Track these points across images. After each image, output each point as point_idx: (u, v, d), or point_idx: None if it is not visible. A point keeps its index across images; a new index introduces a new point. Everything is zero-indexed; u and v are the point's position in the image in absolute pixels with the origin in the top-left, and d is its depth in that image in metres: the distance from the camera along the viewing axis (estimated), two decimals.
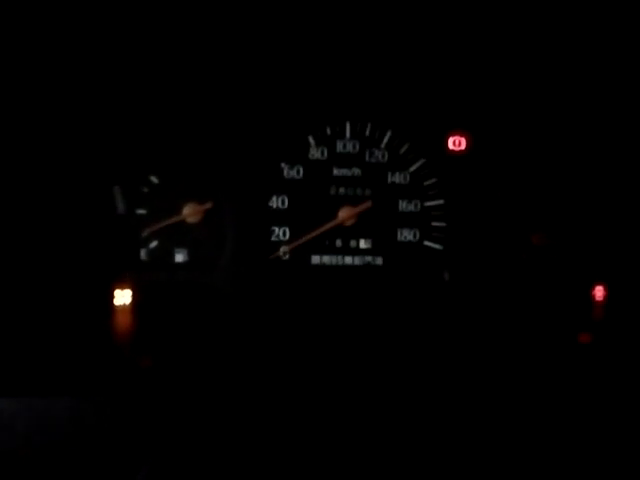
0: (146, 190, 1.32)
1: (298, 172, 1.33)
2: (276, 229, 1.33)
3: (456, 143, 1.33)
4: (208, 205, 1.32)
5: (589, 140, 1.36)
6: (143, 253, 1.34)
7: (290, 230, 1.33)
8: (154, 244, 1.34)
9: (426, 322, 1.22)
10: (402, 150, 1.34)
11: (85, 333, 1.09)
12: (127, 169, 1.31)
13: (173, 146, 1.30)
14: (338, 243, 1.35)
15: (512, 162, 1.36)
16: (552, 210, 1.37)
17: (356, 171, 1.33)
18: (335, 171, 1.33)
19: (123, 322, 1.24)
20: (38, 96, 1.17)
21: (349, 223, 1.33)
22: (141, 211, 1.33)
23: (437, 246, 1.36)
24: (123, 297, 1.30)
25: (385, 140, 1.34)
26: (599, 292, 1.34)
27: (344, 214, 1.32)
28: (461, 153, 1.33)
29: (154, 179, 1.33)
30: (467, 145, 1.33)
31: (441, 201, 1.35)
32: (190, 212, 1.32)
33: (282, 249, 1.33)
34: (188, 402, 0.83)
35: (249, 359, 0.94)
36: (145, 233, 1.33)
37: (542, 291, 1.35)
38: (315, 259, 1.35)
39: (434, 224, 1.35)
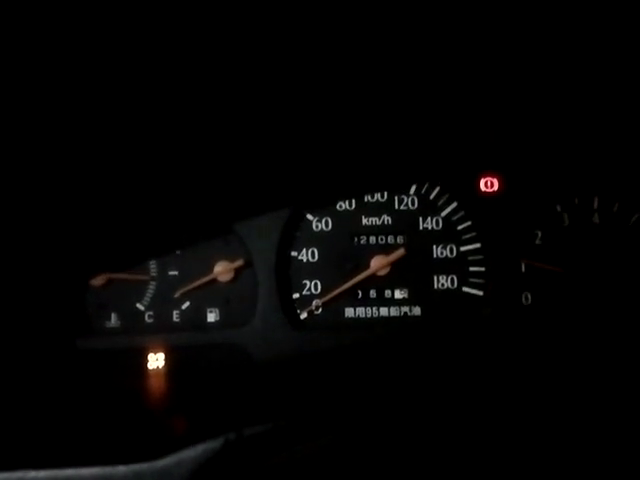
0: (177, 251, 1.33)
1: (327, 224, 1.31)
2: (307, 283, 1.30)
3: (488, 184, 1.29)
4: (239, 262, 1.31)
5: (624, 176, 1.29)
6: (175, 315, 1.33)
7: (322, 283, 1.30)
8: (186, 305, 1.33)
9: (472, 376, 1.14)
10: (432, 195, 1.31)
11: (118, 399, 1.06)
12: (156, 232, 1.32)
13: (201, 204, 1.31)
14: (372, 294, 1.30)
15: (547, 200, 1.30)
16: (595, 248, 1.29)
17: (386, 219, 1.31)
18: (364, 220, 1.30)
19: (157, 386, 1.22)
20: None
21: (382, 273, 1.29)
22: (173, 272, 1.33)
23: (477, 292, 1.29)
24: (156, 361, 1.28)
25: (414, 186, 1.31)
26: None
27: (376, 263, 1.28)
28: (494, 194, 1.28)
29: (184, 239, 1.33)
30: (500, 186, 1.28)
31: (477, 245, 1.29)
32: (221, 270, 1.31)
33: (314, 303, 1.30)
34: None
35: (283, 420, 0.88)
36: (177, 294, 1.32)
37: (597, 333, 1.25)
38: (349, 312, 1.30)
39: (472, 269, 1.29)
